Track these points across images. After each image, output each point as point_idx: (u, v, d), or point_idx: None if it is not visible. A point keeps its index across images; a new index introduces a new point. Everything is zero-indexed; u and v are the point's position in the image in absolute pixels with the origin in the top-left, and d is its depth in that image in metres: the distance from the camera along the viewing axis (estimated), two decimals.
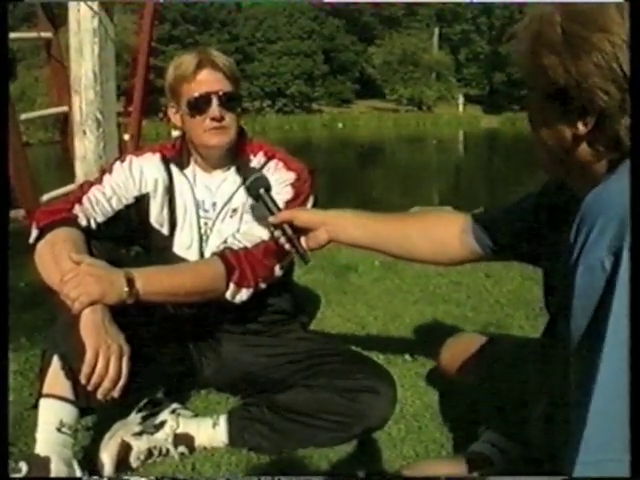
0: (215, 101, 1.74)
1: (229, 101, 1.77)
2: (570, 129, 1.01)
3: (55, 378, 1.50)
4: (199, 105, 1.75)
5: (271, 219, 1.60)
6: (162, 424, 1.70)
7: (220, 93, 1.75)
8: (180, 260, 1.82)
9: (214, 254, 1.74)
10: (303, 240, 1.58)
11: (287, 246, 1.58)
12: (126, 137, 4.04)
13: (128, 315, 1.54)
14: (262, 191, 1.65)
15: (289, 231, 1.57)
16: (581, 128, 0.98)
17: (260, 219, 1.73)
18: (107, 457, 1.58)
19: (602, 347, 0.80)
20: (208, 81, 1.75)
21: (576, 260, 0.86)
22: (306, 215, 1.61)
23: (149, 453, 1.66)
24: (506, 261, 2.44)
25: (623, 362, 0.79)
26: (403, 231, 1.60)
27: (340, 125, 39.17)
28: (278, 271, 1.78)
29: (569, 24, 0.96)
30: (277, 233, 1.60)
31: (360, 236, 1.59)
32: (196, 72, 1.74)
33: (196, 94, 1.74)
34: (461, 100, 43.03)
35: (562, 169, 1.10)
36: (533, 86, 1.06)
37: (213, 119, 1.75)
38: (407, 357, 2.23)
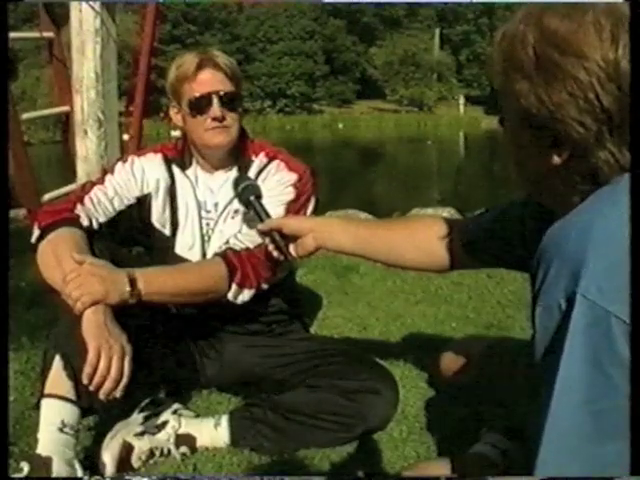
0: (216, 101, 1.74)
1: (230, 101, 1.76)
2: (544, 159, 0.94)
3: (57, 378, 1.50)
4: (200, 105, 1.75)
5: (259, 226, 1.60)
6: (164, 424, 1.69)
7: (221, 93, 1.75)
8: (182, 261, 1.82)
9: (216, 255, 1.74)
10: (292, 247, 1.58)
11: (275, 253, 1.58)
12: (125, 137, 4.03)
13: (130, 315, 1.54)
14: (252, 198, 1.65)
15: (278, 238, 1.56)
16: (555, 159, 0.92)
17: (251, 226, 1.73)
18: (109, 457, 1.58)
19: (552, 392, 0.80)
20: (209, 81, 1.75)
21: (535, 298, 0.85)
22: (294, 222, 1.60)
23: (151, 453, 1.65)
24: (495, 268, 2.42)
25: (573, 409, 0.79)
26: (391, 239, 1.59)
27: (341, 125, 39.14)
28: (280, 272, 1.78)
29: (542, 47, 0.88)
30: (266, 240, 1.59)
31: (348, 243, 1.58)
32: (197, 72, 1.74)
33: (197, 94, 1.74)
34: (462, 101, 42.99)
35: (537, 195, 1.07)
36: (506, 109, 0.99)
37: (214, 119, 1.75)
38: (409, 358, 2.22)
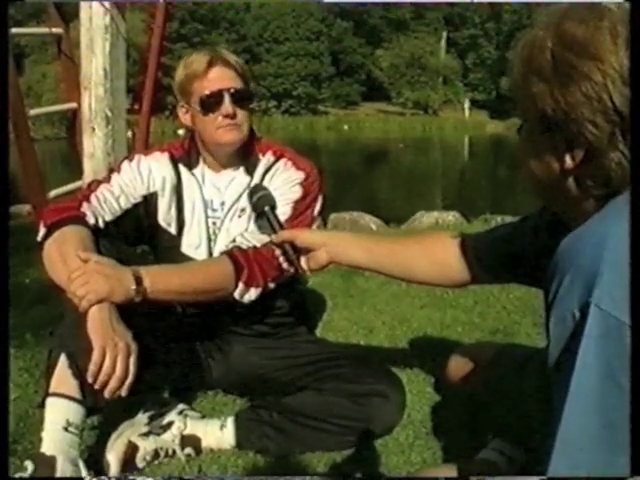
0: (227, 98, 1.73)
1: (241, 98, 1.76)
2: (558, 162, 0.95)
3: (62, 377, 1.48)
4: (211, 102, 1.74)
5: (272, 237, 1.58)
6: (169, 425, 1.68)
7: (232, 90, 1.74)
8: (188, 260, 1.81)
9: (223, 253, 1.72)
10: (304, 260, 1.56)
11: (286, 265, 1.56)
12: (129, 134, 4.02)
13: (135, 314, 1.53)
14: (267, 209, 1.63)
15: (290, 250, 1.54)
16: (568, 162, 0.93)
17: (263, 234, 1.72)
18: (113, 457, 1.57)
19: (565, 401, 0.79)
20: (220, 78, 1.75)
21: (549, 308, 0.85)
22: (307, 235, 1.57)
23: (155, 454, 1.64)
24: (506, 283, 2.40)
25: (586, 420, 0.78)
26: (405, 254, 1.57)
27: (346, 127, 39.19)
28: (287, 271, 1.77)
29: (560, 50, 0.90)
30: (278, 252, 1.58)
31: (361, 258, 1.56)
32: (208, 70, 1.74)
33: (208, 91, 1.74)
34: (467, 105, 43.07)
35: (551, 202, 1.07)
36: (524, 115, 1.01)
37: (226, 116, 1.74)
38: (415, 362, 2.20)
